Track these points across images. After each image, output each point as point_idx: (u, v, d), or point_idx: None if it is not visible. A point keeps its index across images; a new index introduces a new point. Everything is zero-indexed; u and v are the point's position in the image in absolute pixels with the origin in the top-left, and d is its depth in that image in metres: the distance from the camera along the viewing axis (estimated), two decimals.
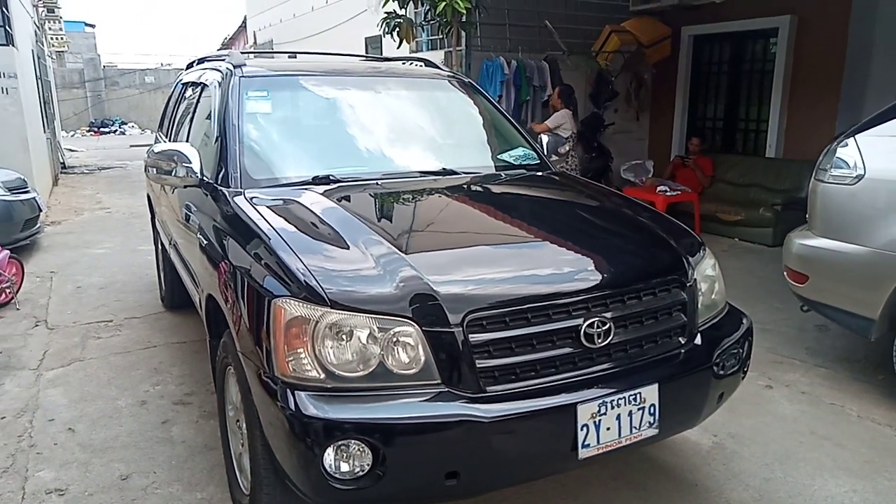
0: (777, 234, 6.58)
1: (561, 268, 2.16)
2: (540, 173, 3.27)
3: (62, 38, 22.24)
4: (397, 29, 7.01)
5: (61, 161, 14.32)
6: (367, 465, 1.81)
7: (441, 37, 7.34)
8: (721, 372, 2.28)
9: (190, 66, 4.50)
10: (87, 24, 32.76)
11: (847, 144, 3.40)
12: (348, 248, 2.13)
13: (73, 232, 7.84)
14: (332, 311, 1.87)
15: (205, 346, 4.17)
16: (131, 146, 20.00)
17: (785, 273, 3.79)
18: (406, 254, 2.07)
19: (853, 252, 3.33)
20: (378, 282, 1.96)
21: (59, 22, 22.19)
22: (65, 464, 2.87)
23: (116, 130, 26.47)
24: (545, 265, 2.17)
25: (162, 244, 4.67)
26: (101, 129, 26.20)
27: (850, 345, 4.16)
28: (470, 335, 1.89)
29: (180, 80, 4.60)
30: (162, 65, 31.01)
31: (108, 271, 6.04)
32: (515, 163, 3.32)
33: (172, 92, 4.77)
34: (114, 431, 3.15)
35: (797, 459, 2.91)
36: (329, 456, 1.81)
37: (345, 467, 1.82)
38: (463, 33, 6.84)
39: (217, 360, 2.58)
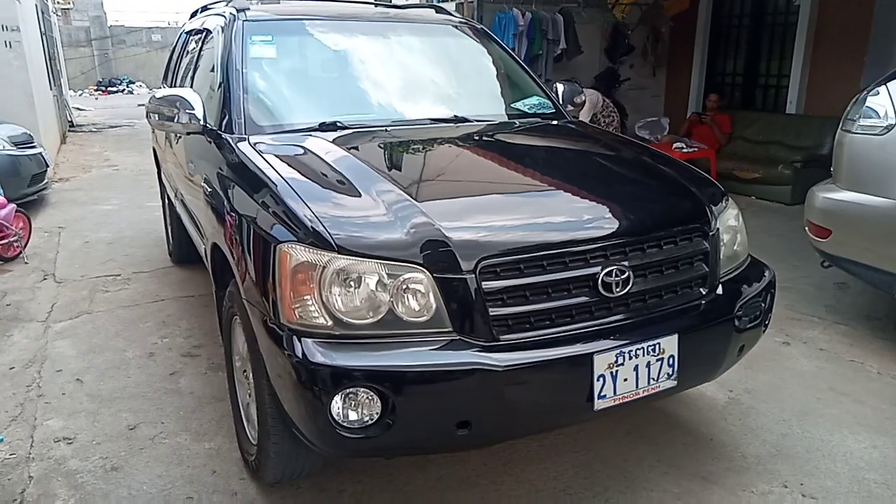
0: (796, 192, 6.42)
1: (578, 215, 2.07)
2: (555, 122, 3.15)
3: None
4: None
5: (69, 119, 14.22)
6: (377, 413, 1.76)
7: None
8: (742, 324, 2.19)
9: (194, 14, 4.37)
10: None
11: (878, 93, 3.24)
12: (357, 194, 2.05)
13: (81, 189, 7.79)
14: (340, 256, 1.80)
15: (212, 300, 4.11)
16: (139, 105, 19.76)
17: (806, 228, 3.68)
18: (417, 201, 1.99)
19: (880, 205, 3.21)
20: (388, 227, 1.88)
21: None
22: (73, 413, 2.86)
23: (124, 90, 26.22)
24: (561, 212, 2.08)
25: (168, 198, 4.60)
26: (109, 89, 25.96)
27: (870, 302, 4.06)
28: (483, 282, 1.82)
29: (183, 30, 4.46)
30: (169, 23, 30.56)
31: (116, 227, 6.00)
32: (530, 111, 3.20)
33: (176, 42, 4.64)
34: (122, 382, 3.13)
35: (816, 415, 2.84)
36: (337, 404, 1.75)
37: (353, 416, 1.77)
38: None
39: (223, 311, 2.53)
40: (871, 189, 3.26)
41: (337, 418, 1.76)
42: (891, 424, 2.78)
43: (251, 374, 2.23)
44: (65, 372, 3.23)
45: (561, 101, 3.37)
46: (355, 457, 2.37)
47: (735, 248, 2.38)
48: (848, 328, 3.72)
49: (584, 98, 3.57)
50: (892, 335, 3.62)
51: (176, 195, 3.86)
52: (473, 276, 1.81)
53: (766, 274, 2.45)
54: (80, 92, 24.60)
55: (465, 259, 1.82)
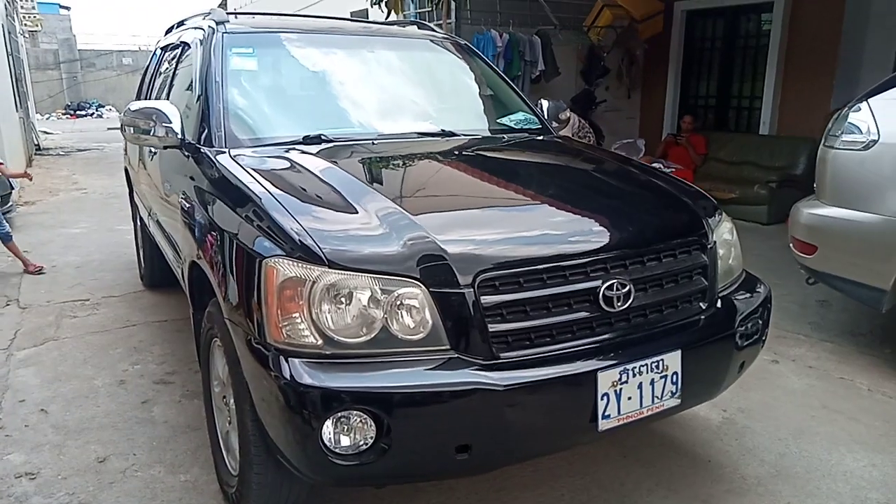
0: (772, 212, 6.49)
1: (576, 228, 2.00)
2: (542, 138, 3.10)
3: (35, 17, 21.55)
4: (385, 0, 6.77)
5: (35, 142, 13.89)
6: (371, 438, 1.65)
7: (430, 9, 7.11)
8: (743, 340, 2.14)
9: (169, 30, 4.26)
10: (61, 7, 31.87)
11: (860, 109, 3.26)
12: (347, 207, 1.96)
13: (48, 212, 7.55)
14: (331, 270, 1.70)
15: (187, 325, 3.99)
16: (109, 129, 19.48)
17: (791, 244, 3.67)
18: (410, 214, 1.90)
19: (865, 220, 3.21)
20: (380, 240, 1.79)
21: (31, 0, 21.52)
22: (36, 446, 2.68)
23: (93, 113, 25.84)
24: (559, 225, 2.01)
25: (141, 219, 4.45)
26: (78, 112, 25.56)
27: (853, 319, 4.06)
28: (482, 297, 1.73)
29: (158, 46, 4.35)
30: (140, 47, 30.28)
31: (85, 250, 5.79)
32: (516, 127, 3.15)
33: (150, 59, 4.53)
34: (90, 412, 2.96)
35: (811, 434, 2.79)
36: (328, 429, 1.64)
37: (345, 441, 1.66)
38: (453, 5, 6.62)
39: (202, 333, 2.40)
40: (856, 204, 3.27)
41: (328, 444, 1.64)
42: (887, 442, 2.73)
43: (232, 400, 2.10)
44: (28, 402, 3.04)
45: (546, 118, 3.34)
46: (346, 486, 2.24)
47: (730, 262, 2.34)
48: (834, 345, 3.70)
49: (568, 115, 3.55)
50: (878, 351, 3.61)
51: (150, 215, 3.71)
52: (472, 290, 1.72)
53: (762, 289, 2.41)
54: (47, 115, 24.18)
55: (462, 273, 1.73)
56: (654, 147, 8.00)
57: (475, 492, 2.39)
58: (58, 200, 8.34)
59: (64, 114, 25.31)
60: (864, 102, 3.27)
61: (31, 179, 6.77)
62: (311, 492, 2.15)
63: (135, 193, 4.55)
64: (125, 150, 4.92)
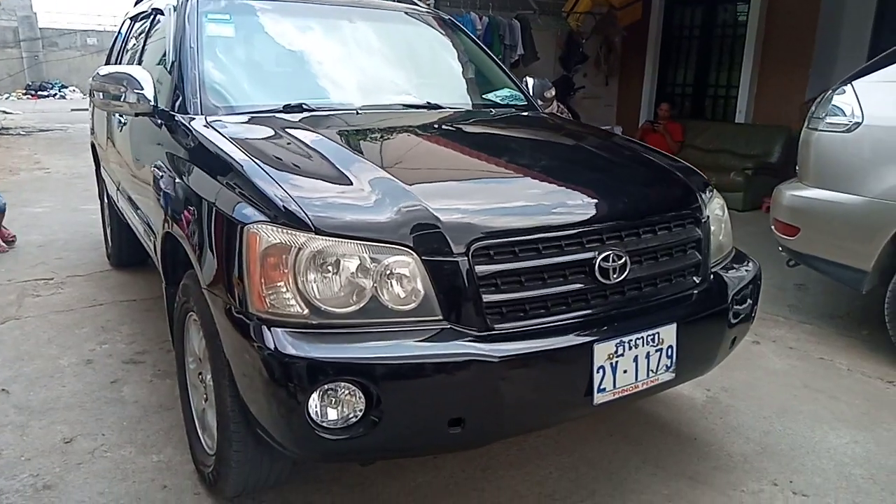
0: (747, 199, 6.55)
1: (571, 198, 1.94)
2: (527, 113, 3.03)
3: None
4: None
5: None
6: (360, 410, 1.57)
7: None
8: (735, 315, 2.11)
9: (139, 1, 4.08)
10: None
11: (844, 91, 3.27)
12: (334, 172, 1.87)
13: (8, 191, 7.19)
14: (317, 237, 1.62)
15: (157, 304, 3.86)
16: (72, 110, 18.89)
17: (773, 227, 3.67)
18: (401, 182, 1.82)
19: (848, 202, 3.22)
20: (370, 207, 1.71)
21: None
22: None
23: (56, 94, 24.99)
24: (554, 196, 1.95)
25: (108, 196, 4.28)
26: (40, 93, 24.70)
27: (831, 302, 4.10)
28: (476, 266, 1.66)
29: (127, 16, 4.17)
30: (105, 28, 29.37)
31: (48, 230, 5.57)
32: (502, 102, 3.08)
33: (119, 29, 4.34)
34: (55, 392, 2.82)
35: (794, 412, 2.80)
36: (314, 402, 1.56)
37: (333, 415, 1.58)
38: None
39: (176, 308, 2.29)
40: (839, 186, 3.28)
41: (315, 418, 1.56)
42: (868, 420, 2.75)
43: (209, 376, 2.01)
44: None
45: (532, 95, 3.27)
46: (333, 461, 2.16)
47: (721, 238, 2.31)
48: (813, 327, 3.73)
49: (553, 93, 3.47)
50: (856, 333, 3.64)
51: (119, 190, 3.56)
52: (466, 258, 1.65)
53: (752, 265, 2.39)
54: (6, 95, 23.37)
55: (456, 241, 1.66)
56: (631, 134, 7.99)
57: (462, 470, 2.33)
58: (18, 180, 8.03)
59: (24, 94, 24.44)
60: (849, 85, 3.28)
61: None
62: (292, 470, 2.07)
63: (102, 169, 4.37)
64: (92, 124, 4.73)
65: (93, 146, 4.71)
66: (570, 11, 7.86)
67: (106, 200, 4.50)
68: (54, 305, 3.82)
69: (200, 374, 2.18)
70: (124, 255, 4.41)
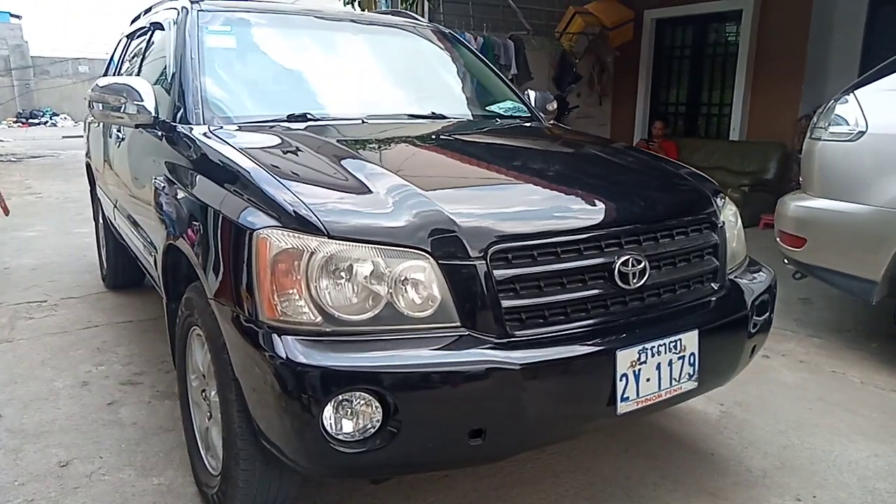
0: (745, 215, 6.41)
1: (588, 202, 1.89)
2: (530, 124, 3.00)
3: None
4: (358, 2, 6.65)
5: None
6: (378, 421, 1.50)
7: (404, 8, 7.01)
8: (755, 323, 2.06)
9: (136, 19, 4.05)
10: (12, 15, 30.80)
11: (847, 101, 3.26)
12: (345, 177, 1.82)
13: None
14: (330, 241, 1.56)
15: (154, 325, 3.77)
16: (64, 137, 18.85)
17: (778, 238, 3.64)
18: (415, 186, 1.76)
19: (854, 211, 3.20)
20: (383, 210, 1.66)
21: None
22: None
23: (47, 122, 24.98)
24: (571, 200, 1.90)
25: (104, 217, 4.21)
26: (31, 121, 24.67)
27: (837, 316, 4.06)
28: (494, 270, 1.61)
29: (123, 34, 4.14)
30: (96, 57, 29.42)
31: (41, 253, 5.48)
32: (506, 114, 3.05)
33: (114, 50, 4.31)
34: (50, 415, 2.72)
35: (811, 426, 2.73)
36: (329, 413, 1.49)
37: (348, 426, 1.50)
38: (427, 4, 6.54)
39: (178, 323, 2.21)
40: (845, 195, 3.25)
41: (329, 430, 1.49)
42: (886, 433, 2.69)
43: (213, 392, 1.93)
44: None
45: (534, 107, 3.25)
46: (347, 477, 2.06)
47: (734, 244, 2.27)
48: (822, 340, 3.68)
49: (555, 106, 3.46)
50: (865, 346, 3.59)
51: (116, 208, 3.49)
52: (484, 262, 1.60)
53: (766, 273, 2.34)
54: None
55: (474, 245, 1.61)
56: None
57: (474, 489, 2.25)
58: (9, 204, 7.91)
59: (15, 122, 24.40)
60: (851, 94, 3.27)
61: None
62: (299, 490, 1.98)
63: (98, 189, 4.30)
64: (87, 145, 4.68)
65: (88, 166, 4.65)
66: (563, 32, 7.91)
67: (101, 221, 4.43)
68: (48, 327, 3.72)
69: (203, 391, 2.10)
70: (120, 276, 4.33)
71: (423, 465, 1.68)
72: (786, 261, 3.65)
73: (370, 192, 1.73)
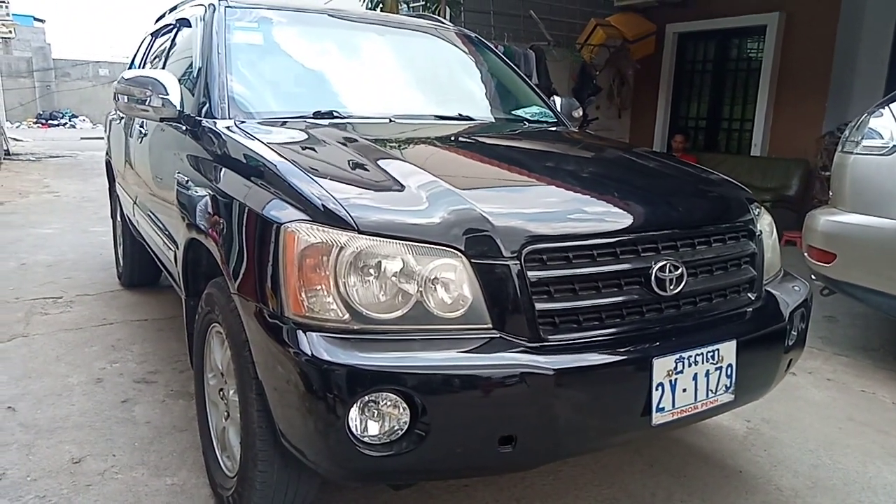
0: None
1: (624, 205, 1.83)
2: (557, 129, 2.95)
3: (8, 22, 21.08)
4: (381, 5, 6.66)
5: (5, 147, 13.43)
6: (405, 423, 1.44)
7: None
8: (791, 336, 1.99)
9: (161, 17, 4.05)
10: (35, 19, 31.28)
11: (882, 115, 3.19)
12: (375, 173, 1.78)
13: (17, 212, 7.19)
14: (360, 236, 1.51)
15: (169, 324, 3.74)
16: (82, 138, 19.03)
17: (806, 254, 3.56)
18: (448, 184, 1.71)
19: (887, 226, 3.11)
20: (415, 207, 1.61)
21: (5, 7, 21.08)
22: (2, 446, 2.40)
23: (66, 123, 25.23)
24: (606, 202, 1.84)
25: (122, 214, 4.19)
26: (50, 122, 24.93)
27: (862, 334, 3.97)
28: (528, 271, 1.55)
29: (148, 33, 4.15)
30: (117, 60, 29.76)
31: (57, 250, 5.47)
32: (532, 119, 3.01)
33: (138, 48, 4.32)
34: (64, 411, 2.68)
35: (842, 446, 2.64)
36: (355, 414, 1.43)
37: (374, 428, 1.45)
38: (449, 12, 6.53)
39: (197, 319, 2.17)
40: (877, 210, 3.17)
41: (355, 432, 1.43)
42: None
43: (232, 391, 1.88)
44: None
45: (560, 113, 3.20)
46: (371, 482, 1.99)
47: (770, 254, 2.20)
48: (849, 359, 3.59)
49: (581, 112, 3.40)
50: (893, 366, 3.49)
51: (135, 205, 3.47)
52: (518, 263, 1.54)
53: (802, 285, 2.27)
54: (17, 124, 23.56)
55: (508, 245, 1.55)
56: None
57: (495, 500, 2.18)
58: (28, 202, 7.97)
59: (35, 122, 24.66)
60: (886, 108, 3.20)
61: None
62: (318, 494, 1.92)
63: (117, 185, 4.29)
64: (108, 143, 4.68)
65: (107, 164, 4.65)
66: (584, 44, 7.89)
67: (119, 219, 4.42)
68: (63, 324, 3.69)
69: (221, 390, 2.05)
70: (136, 275, 4.31)
71: (450, 471, 1.62)
72: (813, 276, 3.57)
73: (402, 187, 1.68)
